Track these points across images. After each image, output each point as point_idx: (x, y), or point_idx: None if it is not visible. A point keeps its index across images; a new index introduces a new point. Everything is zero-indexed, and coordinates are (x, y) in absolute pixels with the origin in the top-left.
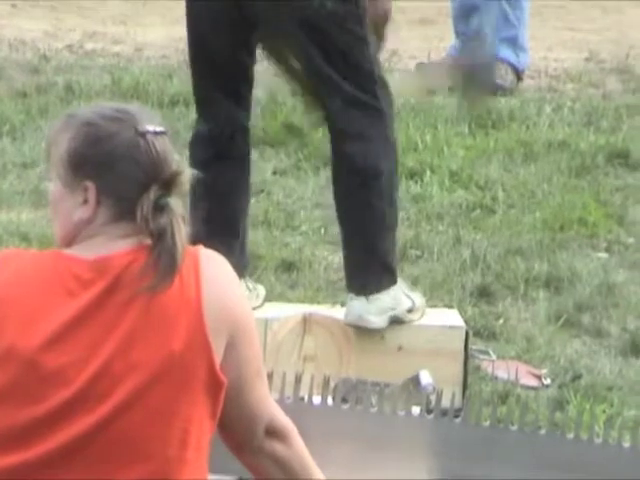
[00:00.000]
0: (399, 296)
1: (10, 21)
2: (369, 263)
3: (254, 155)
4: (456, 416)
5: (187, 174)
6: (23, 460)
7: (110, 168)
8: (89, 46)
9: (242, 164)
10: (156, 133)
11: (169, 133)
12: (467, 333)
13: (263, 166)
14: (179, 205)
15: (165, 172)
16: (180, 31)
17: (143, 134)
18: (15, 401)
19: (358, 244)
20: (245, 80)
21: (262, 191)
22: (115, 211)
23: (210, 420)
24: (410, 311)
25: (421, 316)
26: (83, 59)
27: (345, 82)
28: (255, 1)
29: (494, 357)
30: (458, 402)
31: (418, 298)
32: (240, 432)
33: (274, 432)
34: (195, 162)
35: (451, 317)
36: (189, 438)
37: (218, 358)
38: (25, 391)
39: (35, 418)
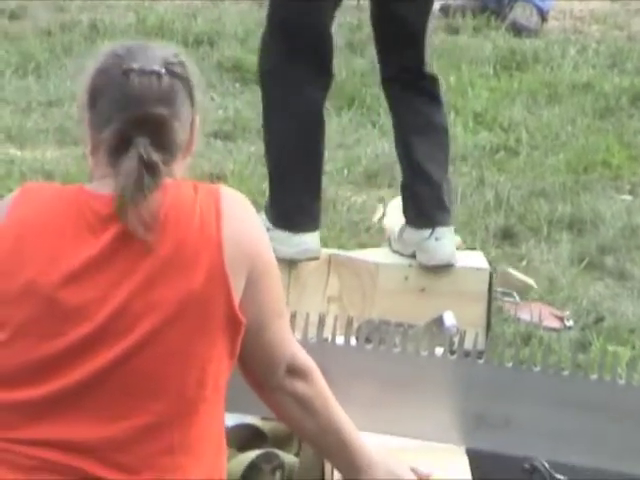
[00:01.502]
0: None
1: None
2: (449, 198)
3: None
4: (479, 357)
5: (176, 127)
6: (40, 394)
7: (94, 103)
8: None
9: None
10: (144, 72)
11: (186, 80)
12: (491, 275)
13: None
14: (146, 146)
15: (138, 110)
16: None
17: (127, 71)
18: (34, 336)
19: (441, 177)
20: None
21: None
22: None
23: (228, 360)
24: None
25: None
26: None
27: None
28: None
29: (517, 299)
30: (481, 343)
31: None
32: (260, 370)
33: (295, 371)
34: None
35: (476, 259)
36: (207, 378)
37: (237, 297)
38: (44, 326)
39: (53, 353)
